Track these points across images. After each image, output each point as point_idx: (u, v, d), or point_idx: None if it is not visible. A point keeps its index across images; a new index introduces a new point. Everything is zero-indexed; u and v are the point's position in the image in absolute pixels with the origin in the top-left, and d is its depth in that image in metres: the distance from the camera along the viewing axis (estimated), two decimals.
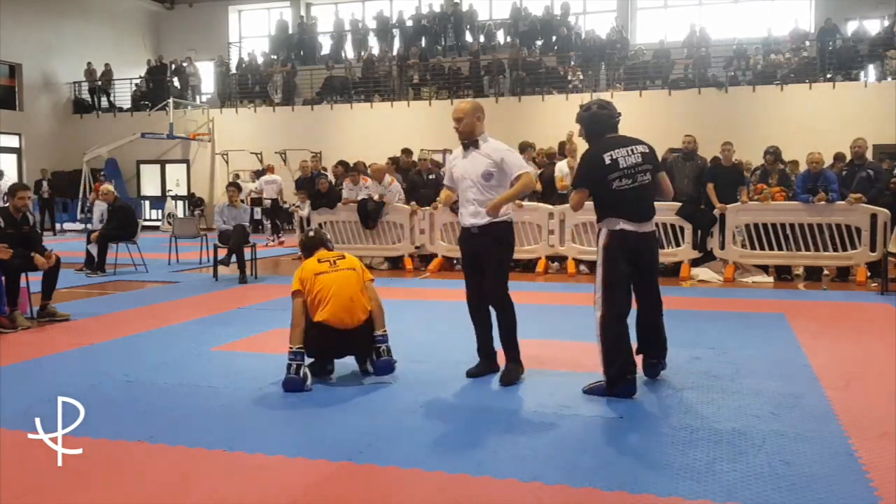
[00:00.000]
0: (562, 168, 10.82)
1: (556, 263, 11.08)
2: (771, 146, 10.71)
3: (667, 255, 10.43)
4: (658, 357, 5.02)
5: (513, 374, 5.03)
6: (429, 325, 7.07)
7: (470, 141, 5.04)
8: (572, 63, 20.99)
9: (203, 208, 22.37)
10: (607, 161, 4.63)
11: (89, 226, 18.74)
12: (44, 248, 7.35)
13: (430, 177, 11.84)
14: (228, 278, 10.48)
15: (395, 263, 11.75)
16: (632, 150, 4.68)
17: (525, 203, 10.70)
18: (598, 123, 4.80)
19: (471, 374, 5.20)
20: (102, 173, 21.32)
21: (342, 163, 13.08)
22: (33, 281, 7.54)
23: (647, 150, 4.78)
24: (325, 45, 24.74)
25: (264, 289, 9.62)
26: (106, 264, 11.05)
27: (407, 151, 13.02)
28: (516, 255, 11.27)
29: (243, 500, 3.26)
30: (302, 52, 24.64)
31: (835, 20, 19.33)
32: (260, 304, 8.42)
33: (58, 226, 21.28)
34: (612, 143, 4.72)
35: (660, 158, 11.62)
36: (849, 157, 10.65)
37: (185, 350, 6.11)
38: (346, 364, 5.61)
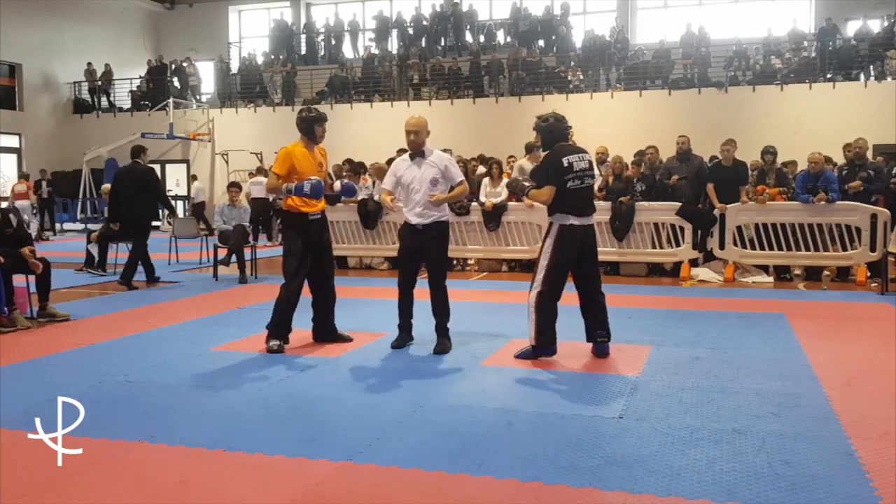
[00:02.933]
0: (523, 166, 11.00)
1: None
2: (769, 146, 10.72)
3: (667, 255, 10.45)
4: (605, 336, 5.69)
5: (445, 346, 5.97)
6: (428, 325, 7.06)
7: (418, 152, 5.95)
8: (572, 63, 20.98)
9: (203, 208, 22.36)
10: (565, 164, 5.45)
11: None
12: (31, 251, 7.34)
13: None
14: (228, 278, 10.48)
15: (395, 263, 11.73)
16: (581, 157, 5.53)
17: (520, 203, 10.71)
18: (554, 133, 5.64)
19: (395, 346, 6.09)
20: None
21: (349, 161, 13.13)
22: (32, 282, 7.54)
23: (590, 159, 5.67)
24: (325, 46, 24.74)
25: (264, 289, 9.60)
26: (106, 264, 11.05)
27: (403, 151, 12.99)
28: (517, 255, 11.42)
29: (243, 500, 3.26)
30: (303, 52, 24.66)
31: (835, 20, 19.32)
32: (260, 304, 8.40)
33: (58, 226, 21.26)
34: (566, 149, 5.56)
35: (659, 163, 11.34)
36: (841, 161, 10.69)
37: (185, 350, 6.10)
38: (347, 365, 5.62)
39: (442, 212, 5.97)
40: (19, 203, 18.38)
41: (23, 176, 20.23)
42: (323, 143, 6.24)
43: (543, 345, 5.56)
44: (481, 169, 12.32)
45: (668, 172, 10.64)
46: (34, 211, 19.73)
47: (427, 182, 5.88)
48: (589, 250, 5.62)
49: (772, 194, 10.03)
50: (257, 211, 15.78)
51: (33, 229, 18.23)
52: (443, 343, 5.99)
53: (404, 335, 6.16)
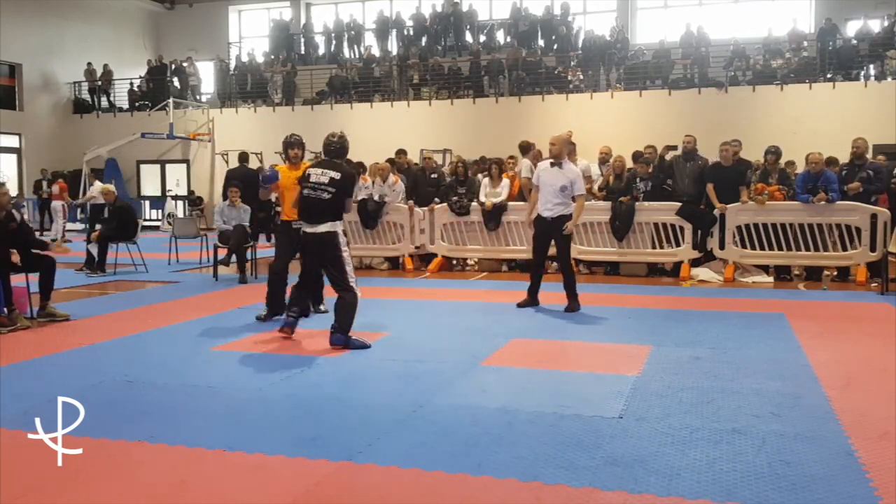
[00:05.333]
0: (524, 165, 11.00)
1: (556, 263, 11.07)
2: (771, 146, 10.71)
3: (667, 255, 10.45)
4: (335, 328, 6.03)
5: (574, 307, 7.58)
6: (429, 325, 7.07)
7: (557, 161, 7.63)
8: (572, 63, 20.98)
9: (202, 208, 22.38)
10: (307, 174, 6.20)
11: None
12: (41, 243, 7.38)
13: (433, 175, 11.96)
14: (228, 278, 10.48)
15: (395, 263, 11.75)
16: (324, 173, 6.08)
17: (521, 203, 10.72)
18: (326, 146, 6.28)
19: (521, 305, 7.69)
20: None
21: (348, 161, 13.10)
22: (32, 282, 7.53)
23: (338, 178, 6.06)
24: (325, 46, 24.74)
25: (264, 289, 9.55)
26: (106, 264, 11.05)
27: (402, 152, 13.02)
28: (517, 255, 11.42)
29: (243, 500, 3.26)
30: (302, 52, 24.67)
31: (835, 20, 19.32)
32: (260, 304, 8.37)
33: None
34: (321, 164, 6.23)
35: (658, 155, 11.85)
36: (841, 161, 10.68)
37: (185, 350, 6.11)
38: (347, 365, 5.62)
39: (566, 209, 7.58)
40: (54, 203, 18.55)
41: (61, 177, 20.30)
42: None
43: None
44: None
45: (671, 170, 10.64)
46: (74, 208, 19.85)
47: (557, 187, 7.53)
48: (319, 255, 6.16)
49: (770, 191, 10.03)
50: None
51: (59, 229, 18.35)
52: (570, 307, 7.57)
53: (530, 299, 7.76)
